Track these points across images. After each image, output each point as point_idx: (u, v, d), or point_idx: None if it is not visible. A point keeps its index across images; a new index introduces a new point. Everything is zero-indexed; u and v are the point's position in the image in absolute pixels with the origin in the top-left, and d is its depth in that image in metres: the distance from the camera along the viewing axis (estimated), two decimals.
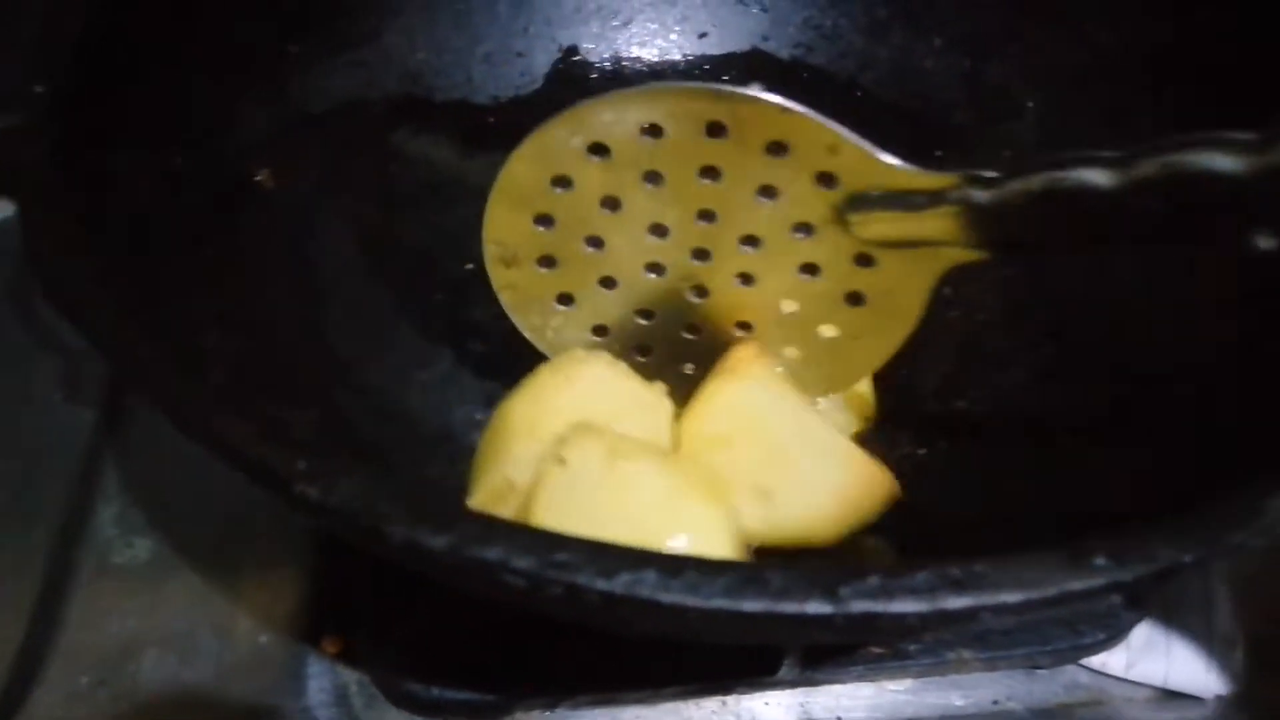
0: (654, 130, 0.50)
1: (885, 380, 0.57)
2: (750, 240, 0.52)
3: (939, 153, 0.67)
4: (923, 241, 0.48)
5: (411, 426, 0.56)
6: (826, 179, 0.49)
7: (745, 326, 0.54)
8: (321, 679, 0.55)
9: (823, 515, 0.50)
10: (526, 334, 0.56)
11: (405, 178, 0.65)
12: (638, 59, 0.73)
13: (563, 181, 0.52)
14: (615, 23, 0.72)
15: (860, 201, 0.49)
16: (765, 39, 0.72)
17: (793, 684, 0.55)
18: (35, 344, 0.66)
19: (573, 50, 0.72)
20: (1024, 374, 0.57)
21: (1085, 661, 0.56)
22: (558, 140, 0.51)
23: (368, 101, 0.65)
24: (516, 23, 0.70)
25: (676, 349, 0.56)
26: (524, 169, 0.52)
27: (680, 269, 0.53)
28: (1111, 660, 0.56)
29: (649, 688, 0.54)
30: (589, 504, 0.46)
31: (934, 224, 0.47)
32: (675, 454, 0.51)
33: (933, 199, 0.47)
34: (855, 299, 0.51)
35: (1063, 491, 0.47)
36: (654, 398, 0.53)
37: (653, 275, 0.54)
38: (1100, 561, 0.30)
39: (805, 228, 0.50)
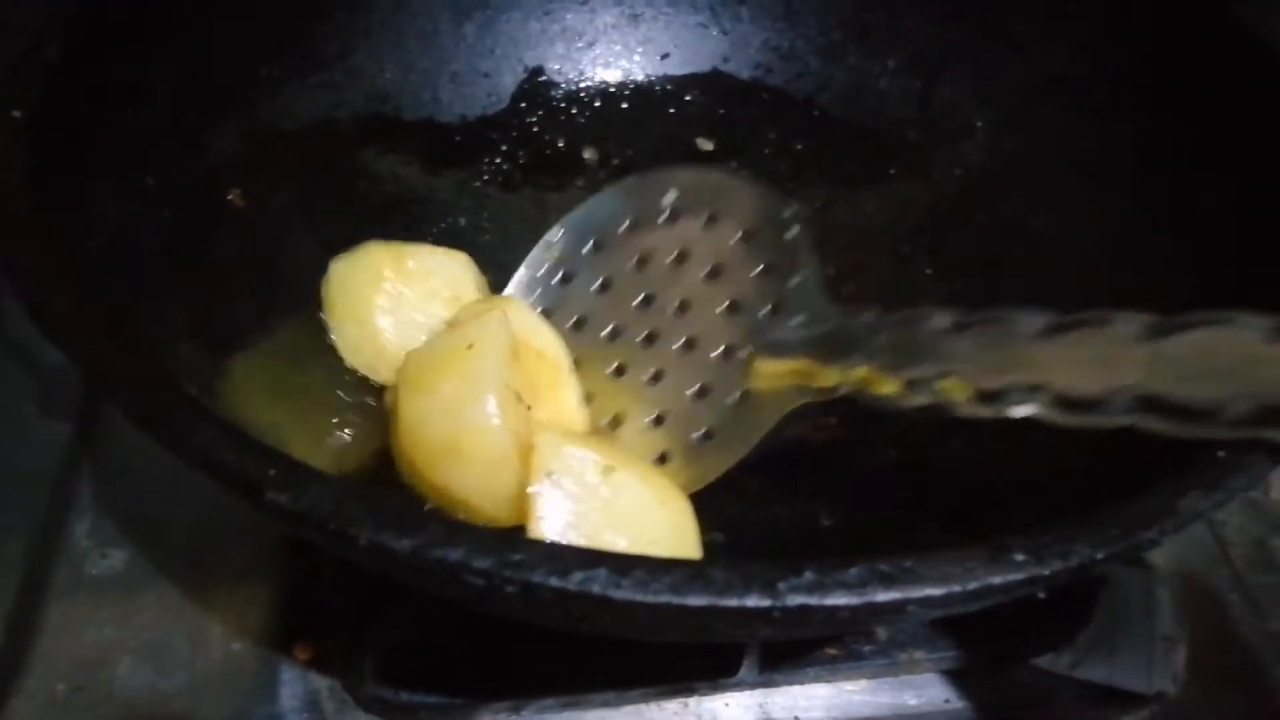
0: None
1: None
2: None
3: (893, 170, 0.69)
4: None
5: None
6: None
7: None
8: (293, 685, 0.56)
9: None
10: None
11: (374, 195, 0.66)
12: (602, 80, 0.75)
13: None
14: (580, 44, 0.74)
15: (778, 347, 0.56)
16: (726, 60, 0.74)
17: (752, 685, 0.57)
18: (10, 360, 0.67)
19: (538, 71, 0.74)
20: None
21: (1033, 661, 0.58)
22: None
23: (337, 121, 0.66)
24: (483, 44, 0.72)
25: None
26: None
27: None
28: (1058, 660, 0.58)
29: (612, 690, 0.55)
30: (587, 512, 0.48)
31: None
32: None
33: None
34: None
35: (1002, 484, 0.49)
36: None
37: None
38: (1020, 557, 0.32)
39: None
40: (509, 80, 0.73)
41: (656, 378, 0.59)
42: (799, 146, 0.73)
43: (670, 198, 0.62)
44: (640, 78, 0.75)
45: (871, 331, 0.51)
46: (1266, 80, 0.52)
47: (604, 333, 0.61)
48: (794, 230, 0.58)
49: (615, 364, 0.60)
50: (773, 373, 0.55)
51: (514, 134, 0.72)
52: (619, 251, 0.62)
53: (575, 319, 0.61)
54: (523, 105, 0.73)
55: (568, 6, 0.74)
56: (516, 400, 0.52)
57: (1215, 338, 0.38)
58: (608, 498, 0.49)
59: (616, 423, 0.58)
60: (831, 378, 0.52)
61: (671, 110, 0.74)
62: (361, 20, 0.67)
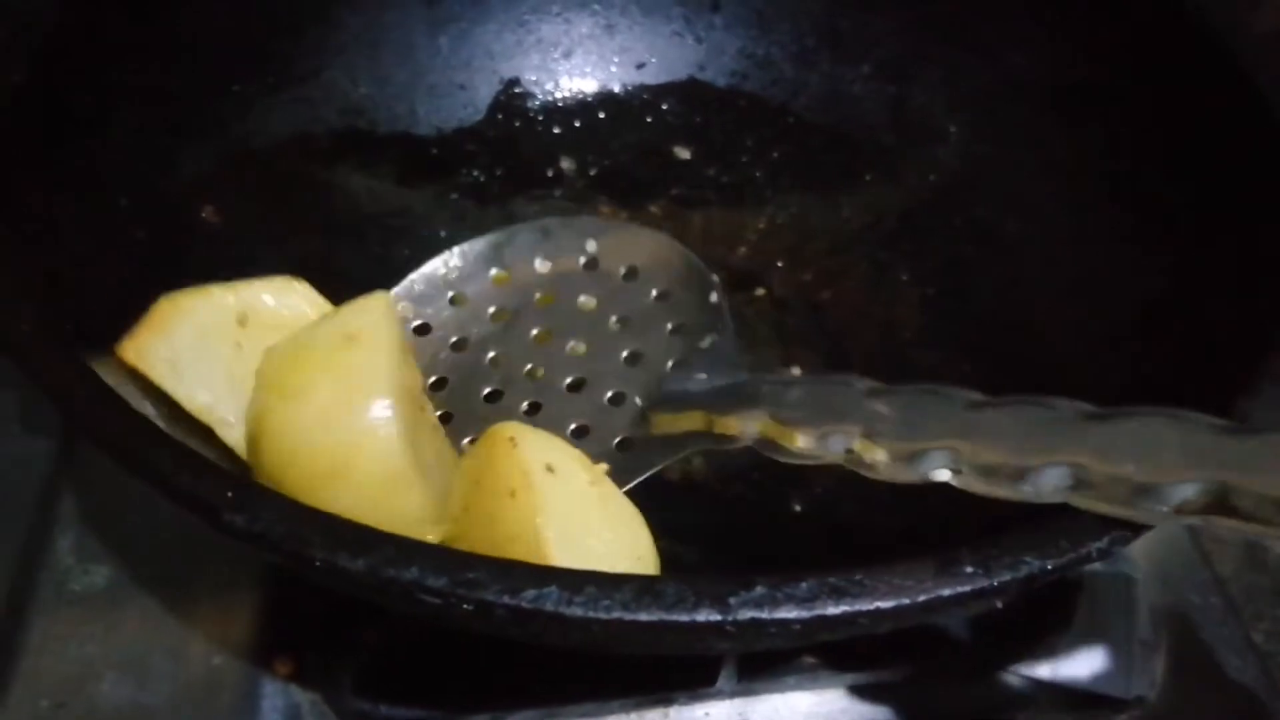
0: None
1: None
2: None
3: (868, 176, 0.69)
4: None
5: None
6: None
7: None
8: (274, 699, 0.56)
9: None
10: None
11: (349, 210, 0.67)
12: (579, 90, 0.75)
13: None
14: (556, 54, 0.74)
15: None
16: (702, 68, 0.75)
17: (731, 694, 0.57)
18: None
19: (514, 82, 0.74)
20: None
21: (1012, 667, 0.58)
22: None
23: (311, 136, 0.66)
24: (459, 56, 0.72)
25: None
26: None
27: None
28: (1037, 665, 0.58)
29: (592, 700, 0.55)
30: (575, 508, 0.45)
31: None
32: None
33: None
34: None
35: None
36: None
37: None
38: (969, 569, 0.32)
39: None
40: (485, 92, 0.73)
41: (533, 409, 0.56)
42: (775, 153, 0.73)
43: (590, 247, 0.61)
44: (617, 87, 0.75)
45: (781, 388, 0.49)
46: (1228, 78, 0.52)
47: (487, 357, 0.58)
48: (715, 295, 0.58)
49: (489, 389, 0.57)
50: (666, 424, 0.53)
51: (491, 146, 0.72)
52: (525, 285, 0.61)
53: (457, 339, 0.59)
54: (499, 117, 0.73)
55: (543, 18, 0.74)
56: (412, 403, 0.46)
57: (1159, 428, 0.35)
58: (600, 501, 0.46)
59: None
60: (731, 426, 0.49)
61: (649, 119, 0.74)
62: (335, 35, 0.67)
